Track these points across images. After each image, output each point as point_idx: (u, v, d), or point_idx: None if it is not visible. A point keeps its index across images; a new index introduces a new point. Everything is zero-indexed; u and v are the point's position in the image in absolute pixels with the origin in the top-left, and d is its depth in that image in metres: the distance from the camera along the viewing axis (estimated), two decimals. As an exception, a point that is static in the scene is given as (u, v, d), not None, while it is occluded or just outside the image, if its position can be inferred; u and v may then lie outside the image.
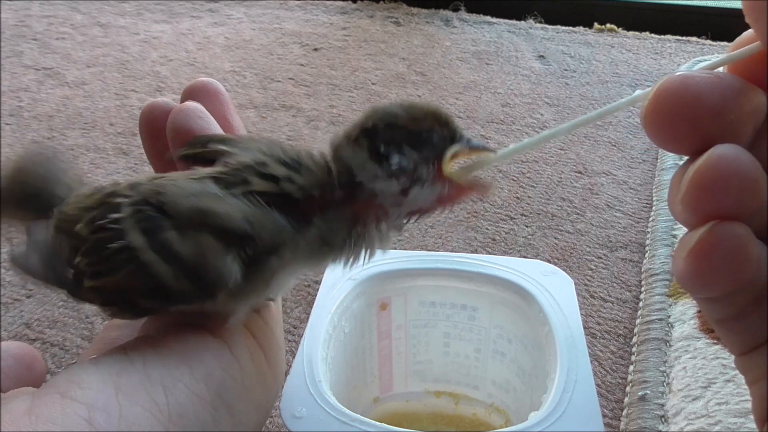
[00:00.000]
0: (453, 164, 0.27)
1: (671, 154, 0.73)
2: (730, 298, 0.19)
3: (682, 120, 0.19)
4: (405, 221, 0.28)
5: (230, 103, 0.34)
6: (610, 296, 0.57)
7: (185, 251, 0.24)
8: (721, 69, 0.21)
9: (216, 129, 0.32)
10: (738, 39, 0.21)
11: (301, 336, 0.34)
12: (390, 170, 0.26)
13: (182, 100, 0.33)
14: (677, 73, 0.19)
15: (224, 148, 0.28)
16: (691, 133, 0.19)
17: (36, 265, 0.26)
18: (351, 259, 0.27)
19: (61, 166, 0.30)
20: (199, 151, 0.29)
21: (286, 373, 0.31)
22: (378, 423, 0.29)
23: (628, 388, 0.47)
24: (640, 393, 0.45)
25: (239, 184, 0.26)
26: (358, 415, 0.29)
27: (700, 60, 0.96)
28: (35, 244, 0.27)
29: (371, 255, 0.28)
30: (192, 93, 0.33)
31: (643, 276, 0.58)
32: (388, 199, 0.27)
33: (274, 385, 0.29)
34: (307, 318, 0.35)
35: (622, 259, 0.61)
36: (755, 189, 0.18)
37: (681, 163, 0.67)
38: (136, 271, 0.24)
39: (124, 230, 0.24)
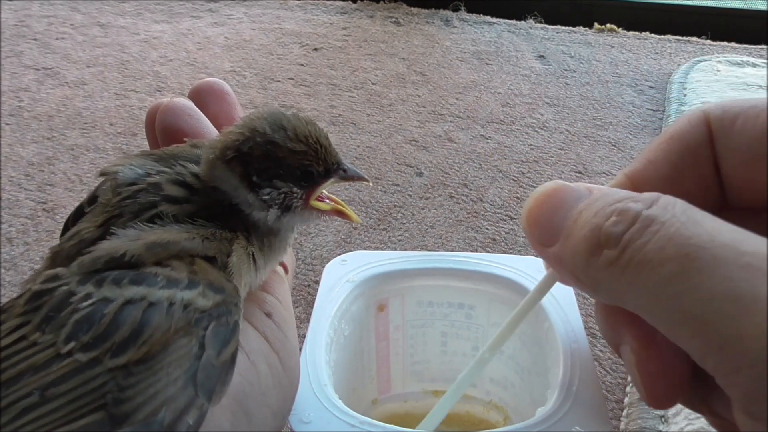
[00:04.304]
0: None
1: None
2: None
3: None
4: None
5: (237, 103, 0.34)
6: (609, 296, 0.56)
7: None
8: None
9: (207, 126, 0.31)
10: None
11: (302, 337, 0.34)
12: (261, 199, 0.28)
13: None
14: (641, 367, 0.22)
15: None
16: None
17: None
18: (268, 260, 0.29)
19: None
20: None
21: None
22: (386, 424, 0.29)
23: (628, 388, 0.47)
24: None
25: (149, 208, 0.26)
26: (366, 418, 0.29)
27: (700, 60, 0.96)
28: None
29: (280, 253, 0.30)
30: (199, 93, 0.33)
31: (642, 276, 0.58)
32: (264, 224, 0.28)
33: (290, 390, 0.29)
34: (308, 318, 0.35)
35: (622, 259, 0.61)
36: None
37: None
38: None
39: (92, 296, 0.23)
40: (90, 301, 0.23)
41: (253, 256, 0.28)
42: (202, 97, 0.33)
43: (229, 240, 0.27)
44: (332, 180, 0.29)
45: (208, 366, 0.23)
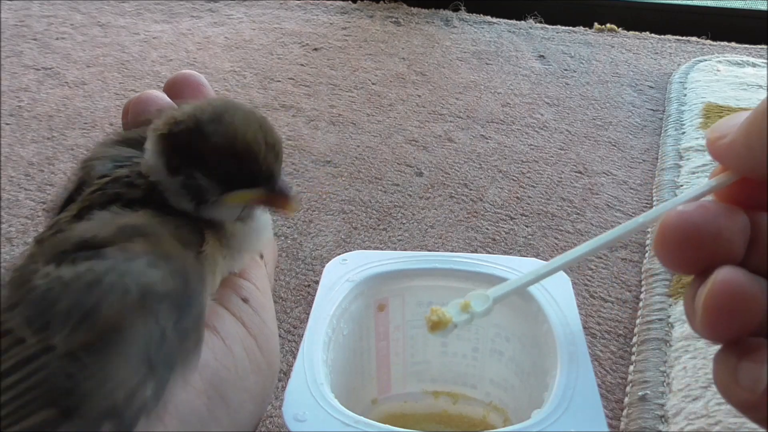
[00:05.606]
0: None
1: (671, 153, 0.73)
2: None
3: (686, 249, 0.23)
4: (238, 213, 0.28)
5: (212, 94, 0.34)
6: (610, 296, 0.56)
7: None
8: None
9: None
10: (715, 170, 0.27)
11: (300, 336, 0.34)
12: (178, 184, 0.27)
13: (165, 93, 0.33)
14: (677, 209, 0.24)
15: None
16: (696, 258, 0.23)
17: None
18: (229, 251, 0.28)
19: None
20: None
21: (286, 374, 0.31)
22: (380, 424, 0.29)
23: (628, 388, 0.47)
24: (640, 393, 0.45)
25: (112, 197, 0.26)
26: (361, 417, 0.29)
27: (699, 60, 0.96)
28: None
29: (240, 252, 0.29)
30: (174, 85, 0.33)
31: (643, 276, 0.58)
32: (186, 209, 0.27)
33: (269, 374, 0.29)
34: (307, 318, 0.35)
35: (622, 259, 0.61)
36: (756, 306, 0.22)
37: (681, 163, 0.67)
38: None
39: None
40: (46, 281, 0.22)
41: (225, 242, 0.28)
42: (177, 88, 0.33)
43: (199, 227, 0.26)
44: (256, 191, 0.27)
45: (165, 346, 0.22)
